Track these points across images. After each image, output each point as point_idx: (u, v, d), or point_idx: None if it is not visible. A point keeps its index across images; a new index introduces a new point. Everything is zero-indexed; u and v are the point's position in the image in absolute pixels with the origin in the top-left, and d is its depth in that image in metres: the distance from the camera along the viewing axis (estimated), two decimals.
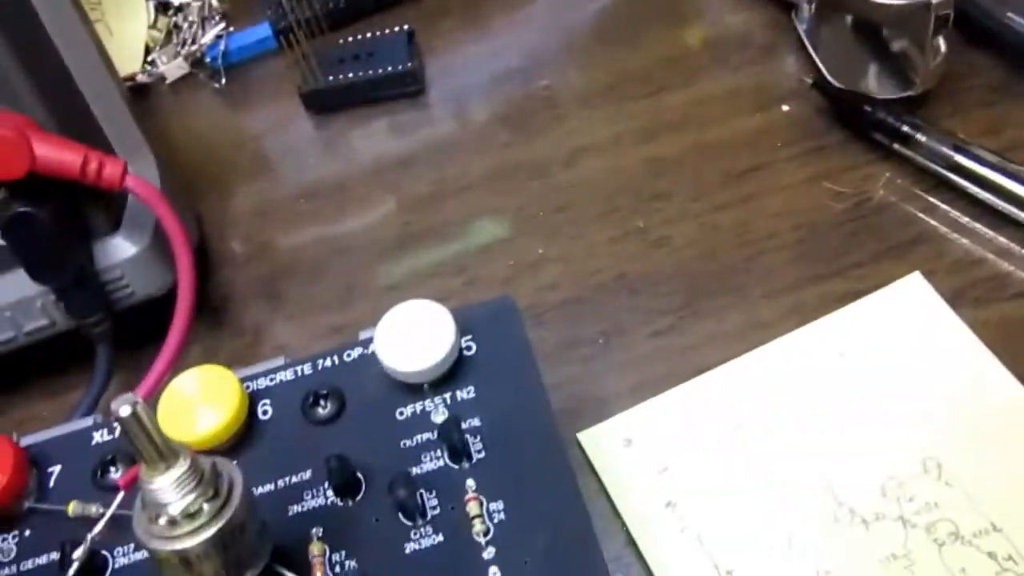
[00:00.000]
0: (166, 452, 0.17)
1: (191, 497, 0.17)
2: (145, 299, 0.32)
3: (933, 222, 0.34)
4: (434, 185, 0.39)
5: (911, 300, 0.31)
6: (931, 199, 0.34)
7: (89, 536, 0.21)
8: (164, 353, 0.29)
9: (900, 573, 0.26)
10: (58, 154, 0.28)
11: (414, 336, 0.24)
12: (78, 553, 0.21)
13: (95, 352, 0.32)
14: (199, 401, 0.23)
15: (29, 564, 0.23)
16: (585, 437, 0.30)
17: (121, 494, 0.22)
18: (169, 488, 0.17)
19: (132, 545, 0.23)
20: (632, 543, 0.28)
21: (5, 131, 0.27)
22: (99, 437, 0.25)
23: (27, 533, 0.23)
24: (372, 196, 0.39)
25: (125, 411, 0.16)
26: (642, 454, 0.29)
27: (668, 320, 0.33)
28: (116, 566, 0.22)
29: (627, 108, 0.40)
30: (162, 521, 0.17)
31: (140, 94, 0.45)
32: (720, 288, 0.33)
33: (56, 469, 0.24)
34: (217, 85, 0.44)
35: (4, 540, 0.23)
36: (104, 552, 0.22)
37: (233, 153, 0.42)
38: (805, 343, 0.31)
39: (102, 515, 0.22)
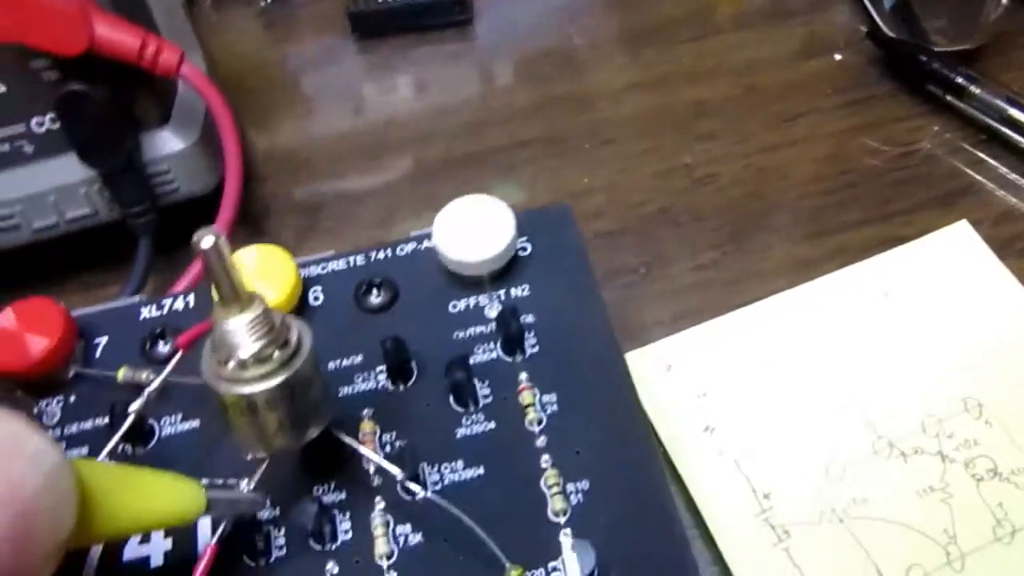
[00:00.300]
0: (242, 293, 0.17)
1: (262, 342, 0.17)
2: (188, 197, 0.32)
3: (981, 175, 0.34)
4: (478, 114, 0.39)
5: (958, 247, 0.31)
6: (980, 152, 0.34)
7: (146, 391, 0.21)
8: None
9: (937, 505, 0.26)
10: (117, 34, 0.28)
11: (474, 228, 0.23)
12: (135, 405, 0.21)
13: (137, 245, 0.31)
14: (256, 276, 0.23)
15: (74, 428, 0.23)
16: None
17: (179, 354, 0.21)
18: (242, 330, 0.17)
19: (180, 415, 0.23)
20: (670, 465, 0.28)
21: (66, 5, 0.27)
22: (147, 313, 0.25)
23: (72, 398, 0.23)
24: (415, 121, 0.39)
25: (207, 243, 0.16)
26: (682, 379, 0.29)
27: (711, 254, 0.33)
28: (163, 435, 0.22)
29: (676, 50, 0.40)
30: (231, 364, 0.17)
31: None
32: (765, 227, 0.33)
33: (103, 340, 0.24)
34: (263, 3, 0.43)
35: (48, 404, 0.23)
36: (151, 420, 0.22)
37: (274, 72, 0.42)
38: (850, 282, 0.31)
39: (152, 381, 0.22)
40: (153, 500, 0.17)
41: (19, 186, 0.30)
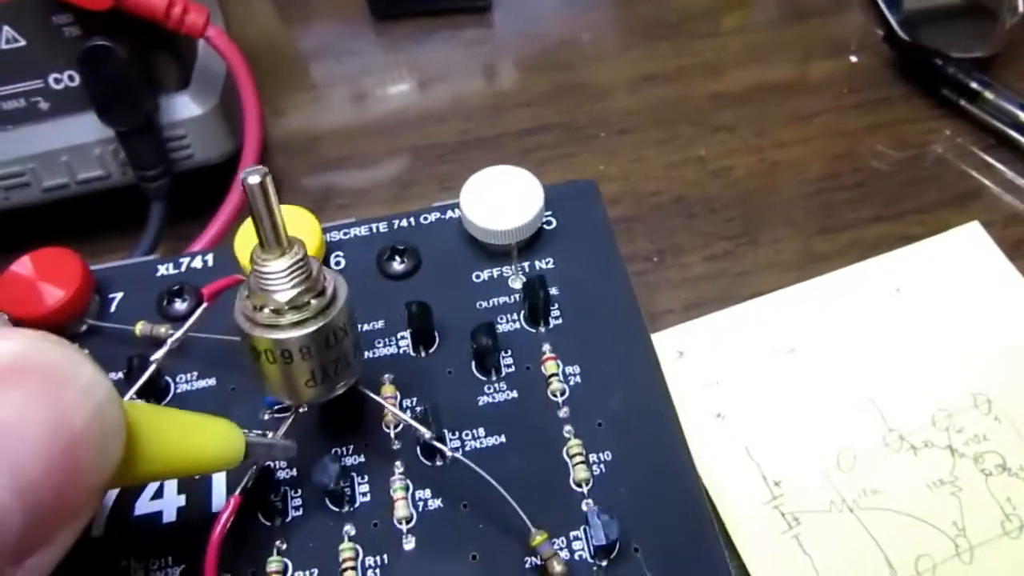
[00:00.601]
0: (283, 236, 0.17)
1: (300, 289, 0.17)
2: (203, 163, 0.32)
3: (992, 178, 0.34)
4: (494, 99, 0.39)
5: (969, 247, 0.32)
6: (991, 157, 0.35)
7: (169, 340, 0.21)
8: (228, 203, 0.29)
9: (947, 498, 0.26)
10: None
11: (501, 198, 0.23)
12: (157, 355, 0.21)
13: (149, 210, 0.31)
14: None
15: None
16: None
17: (203, 306, 0.21)
18: (280, 275, 0.17)
19: (195, 373, 0.22)
20: None
21: None
22: (164, 270, 0.24)
23: (85, 352, 0.23)
24: (430, 103, 0.39)
25: (254, 179, 0.16)
26: (693, 366, 0.29)
27: (724, 245, 0.33)
28: (177, 391, 0.22)
29: (694, 44, 0.40)
30: (267, 310, 0.17)
31: None
32: (778, 220, 0.33)
33: (118, 296, 0.24)
34: None
35: None
36: (167, 377, 0.22)
37: (288, 51, 0.42)
38: (862, 276, 0.31)
39: (170, 336, 0.22)
40: (195, 443, 0.17)
41: (32, 143, 0.30)
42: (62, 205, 0.32)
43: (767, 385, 0.29)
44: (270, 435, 0.19)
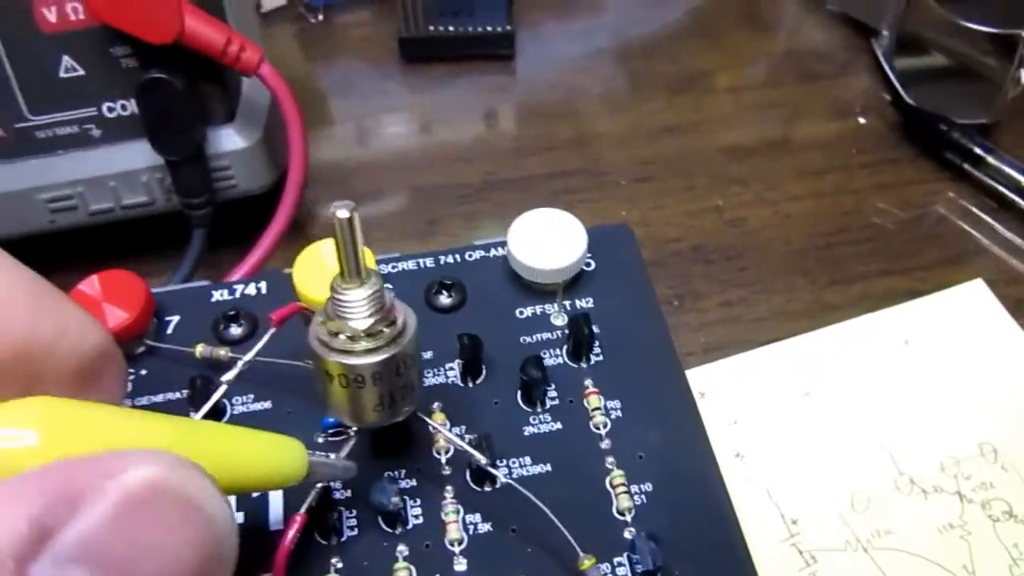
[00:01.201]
0: (363, 268, 0.18)
1: (375, 318, 0.18)
2: (244, 194, 0.33)
3: (995, 239, 0.36)
4: (517, 142, 0.40)
5: (973, 303, 0.33)
6: (993, 219, 0.37)
7: (240, 362, 0.22)
8: (269, 233, 0.30)
9: (956, 541, 0.27)
10: (205, 28, 0.29)
11: (547, 239, 0.25)
12: (227, 376, 0.21)
13: (191, 237, 0.32)
14: (335, 267, 0.24)
15: (143, 400, 0.23)
16: None
17: (271, 331, 0.22)
18: (358, 304, 0.18)
19: (252, 395, 0.23)
20: None
21: None
22: (218, 296, 0.25)
23: (144, 372, 0.24)
24: (455, 144, 0.40)
25: (343, 213, 0.17)
26: (714, 406, 0.30)
27: (740, 292, 0.34)
28: (234, 412, 0.23)
29: (709, 99, 0.42)
30: (342, 336, 0.18)
31: None
32: (791, 270, 0.35)
33: (174, 319, 0.25)
34: (313, 20, 0.45)
35: None
36: (223, 399, 0.23)
37: (322, 87, 0.43)
38: (872, 327, 0.33)
39: (233, 358, 0.22)
40: (261, 459, 0.18)
41: (82, 168, 0.31)
42: (103, 228, 0.33)
43: (784, 427, 0.30)
44: (331, 456, 0.20)
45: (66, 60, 0.30)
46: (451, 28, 0.42)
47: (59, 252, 0.32)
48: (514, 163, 0.39)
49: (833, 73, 0.43)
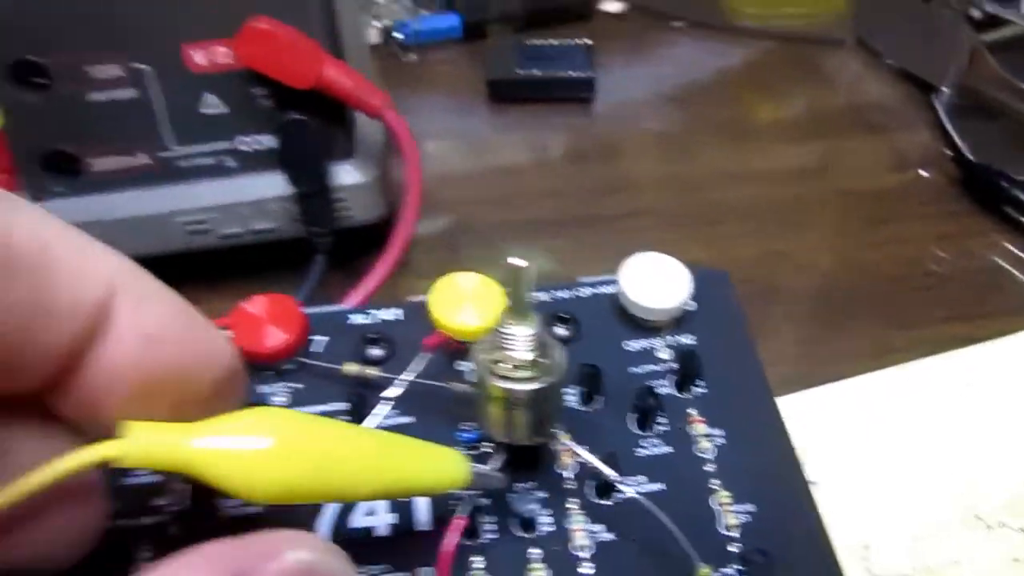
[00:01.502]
0: (529, 309, 0.20)
1: (535, 353, 0.21)
2: (358, 224, 0.36)
3: None
4: (598, 181, 0.43)
5: None
6: None
7: (397, 379, 0.24)
8: (384, 263, 0.33)
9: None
10: (339, 75, 0.32)
11: (656, 280, 0.27)
12: (388, 393, 0.24)
13: (312, 261, 0.35)
14: (467, 299, 0.27)
15: (304, 411, 0.26)
16: None
17: (426, 355, 0.25)
18: (521, 338, 0.21)
19: (396, 411, 0.26)
20: None
21: (304, 46, 0.31)
22: (355, 319, 0.28)
23: (299, 386, 0.26)
24: (540, 180, 0.43)
25: (520, 263, 0.20)
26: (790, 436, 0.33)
27: (810, 331, 0.37)
28: (380, 425, 0.26)
29: (775, 149, 0.45)
30: (506, 365, 0.21)
31: None
32: (857, 313, 0.38)
33: (319, 339, 0.28)
34: (404, 59, 0.48)
35: (275, 387, 0.26)
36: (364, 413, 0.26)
37: (412, 122, 0.46)
38: (934, 369, 0.35)
39: (378, 376, 0.25)
40: (432, 468, 0.20)
41: (217, 196, 0.34)
42: (230, 250, 0.36)
43: (854, 456, 0.32)
44: (484, 467, 0.23)
45: (210, 98, 0.33)
46: (536, 72, 0.45)
47: (186, 269, 0.35)
48: (595, 200, 0.42)
49: (894, 126, 0.45)
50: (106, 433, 0.17)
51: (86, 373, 0.16)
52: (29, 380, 0.16)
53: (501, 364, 0.21)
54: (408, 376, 0.25)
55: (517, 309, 0.20)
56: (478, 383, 0.21)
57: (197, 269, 0.36)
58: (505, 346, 0.21)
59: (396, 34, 0.48)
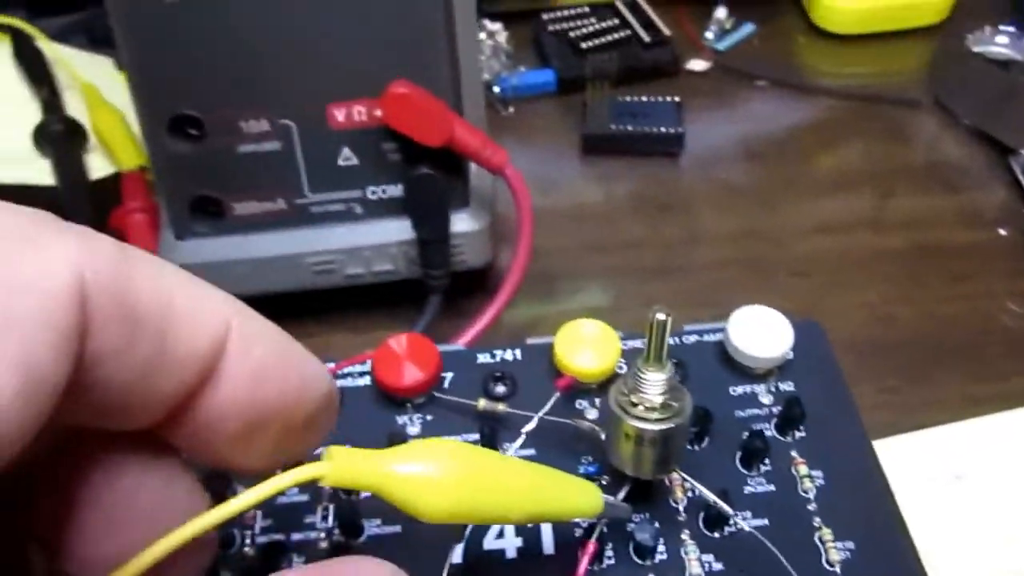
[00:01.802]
0: (664, 357, 0.23)
1: (666, 396, 0.23)
2: (469, 268, 0.39)
3: None
4: (686, 232, 0.45)
5: None
6: None
7: (536, 417, 0.27)
8: (493, 306, 0.36)
9: None
10: (466, 134, 0.35)
11: (761, 330, 0.30)
12: (527, 427, 0.27)
13: (427, 301, 0.38)
14: (586, 344, 0.29)
15: None
16: None
17: (556, 395, 0.27)
18: (656, 382, 0.23)
19: (519, 443, 0.28)
20: None
21: (439, 109, 0.34)
22: (481, 358, 0.31)
23: (428, 417, 0.29)
24: (632, 229, 0.46)
25: (662, 316, 0.22)
26: None
27: (893, 381, 0.39)
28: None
29: (858, 203, 0.47)
30: (641, 406, 0.23)
31: None
32: (938, 365, 0.39)
33: (449, 375, 0.30)
34: (503, 112, 0.51)
35: (410, 418, 0.29)
36: (498, 445, 0.28)
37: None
38: (1017, 421, 0.37)
39: (508, 412, 0.28)
40: (570, 497, 0.23)
41: (344, 239, 0.37)
42: (351, 289, 0.39)
43: (937, 505, 0.34)
44: (612, 498, 0.25)
45: (345, 151, 0.36)
46: (629, 127, 0.48)
47: (305, 304, 0.39)
48: (685, 251, 0.45)
49: (971, 185, 0.47)
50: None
51: (198, 411, 0.17)
52: (143, 422, 0.17)
53: (636, 406, 0.23)
54: (538, 413, 0.27)
55: (655, 357, 0.23)
56: (611, 420, 0.24)
57: (319, 305, 0.40)
58: (640, 389, 0.23)
59: (495, 88, 0.51)
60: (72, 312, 0.13)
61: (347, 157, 0.36)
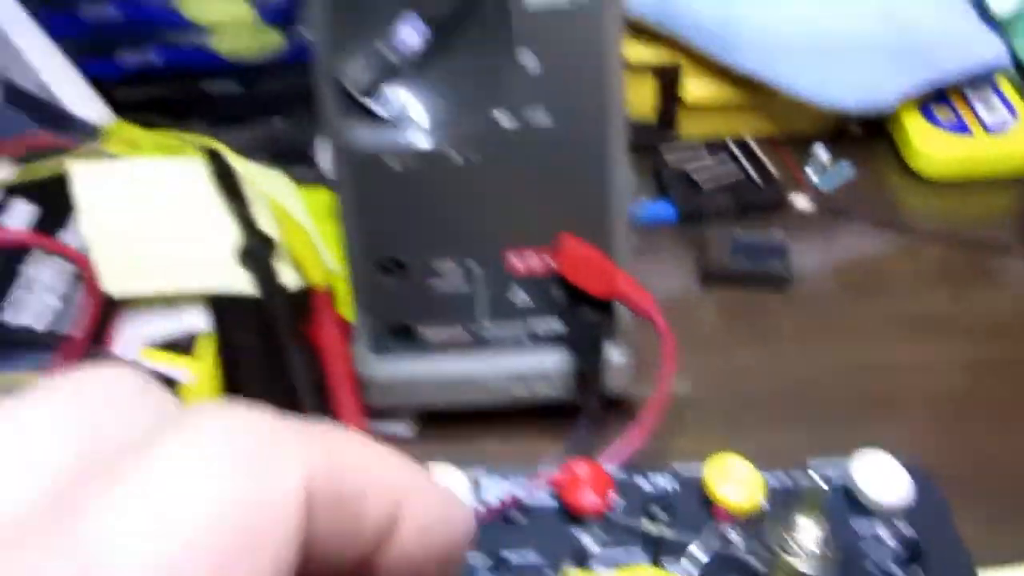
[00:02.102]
0: (823, 517, 0.29)
1: (820, 548, 0.29)
2: (612, 395, 0.45)
3: None
4: (796, 366, 0.51)
5: None
6: None
7: (699, 545, 0.33)
8: (643, 426, 0.42)
9: None
10: (624, 285, 0.41)
11: (881, 476, 0.35)
12: (702, 557, 0.33)
13: (577, 422, 0.44)
14: (730, 478, 0.35)
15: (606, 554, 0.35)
16: None
17: (713, 525, 0.33)
18: (812, 540, 0.29)
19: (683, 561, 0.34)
20: None
21: (606, 266, 0.41)
22: (643, 485, 0.37)
23: (604, 536, 0.35)
24: (746, 361, 0.51)
25: (823, 487, 0.28)
26: None
27: (1003, 512, 0.44)
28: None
29: (952, 344, 0.52)
30: (797, 553, 0.29)
31: None
32: None
33: (615, 497, 0.36)
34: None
35: (586, 535, 0.35)
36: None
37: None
38: None
39: (671, 537, 0.34)
40: None
41: (513, 365, 0.44)
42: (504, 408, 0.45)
43: None
44: None
45: (519, 292, 0.43)
46: (745, 263, 0.54)
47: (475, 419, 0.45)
48: (794, 386, 0.50)
49: None
50: None
51: (370, 566, 0.17)
52: None
53: (792, 550, 0.29)
54: (702, 541, 0.33)
55: (811, 516, 0.29)
56: (772, 554, 0.30)
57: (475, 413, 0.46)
58: (801, 541, 0.29)
59: None
60: (303, 521, 0.15)
61: (520, 297, 0.43)
